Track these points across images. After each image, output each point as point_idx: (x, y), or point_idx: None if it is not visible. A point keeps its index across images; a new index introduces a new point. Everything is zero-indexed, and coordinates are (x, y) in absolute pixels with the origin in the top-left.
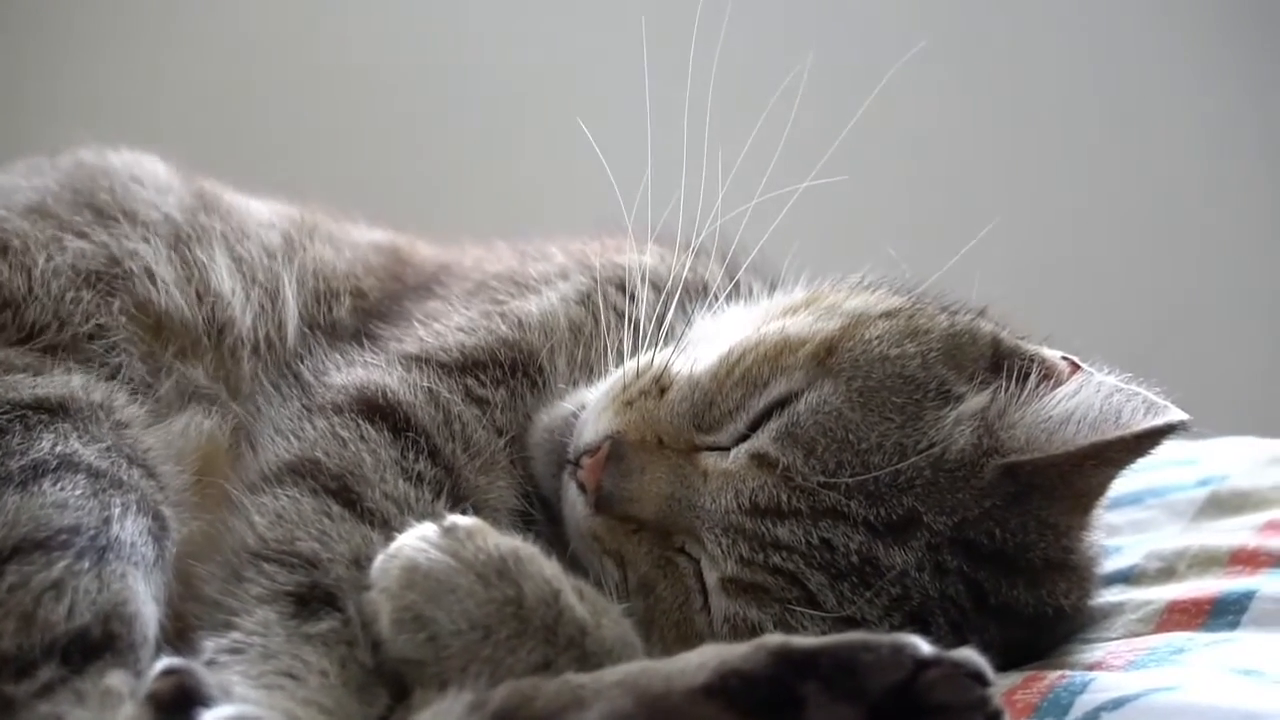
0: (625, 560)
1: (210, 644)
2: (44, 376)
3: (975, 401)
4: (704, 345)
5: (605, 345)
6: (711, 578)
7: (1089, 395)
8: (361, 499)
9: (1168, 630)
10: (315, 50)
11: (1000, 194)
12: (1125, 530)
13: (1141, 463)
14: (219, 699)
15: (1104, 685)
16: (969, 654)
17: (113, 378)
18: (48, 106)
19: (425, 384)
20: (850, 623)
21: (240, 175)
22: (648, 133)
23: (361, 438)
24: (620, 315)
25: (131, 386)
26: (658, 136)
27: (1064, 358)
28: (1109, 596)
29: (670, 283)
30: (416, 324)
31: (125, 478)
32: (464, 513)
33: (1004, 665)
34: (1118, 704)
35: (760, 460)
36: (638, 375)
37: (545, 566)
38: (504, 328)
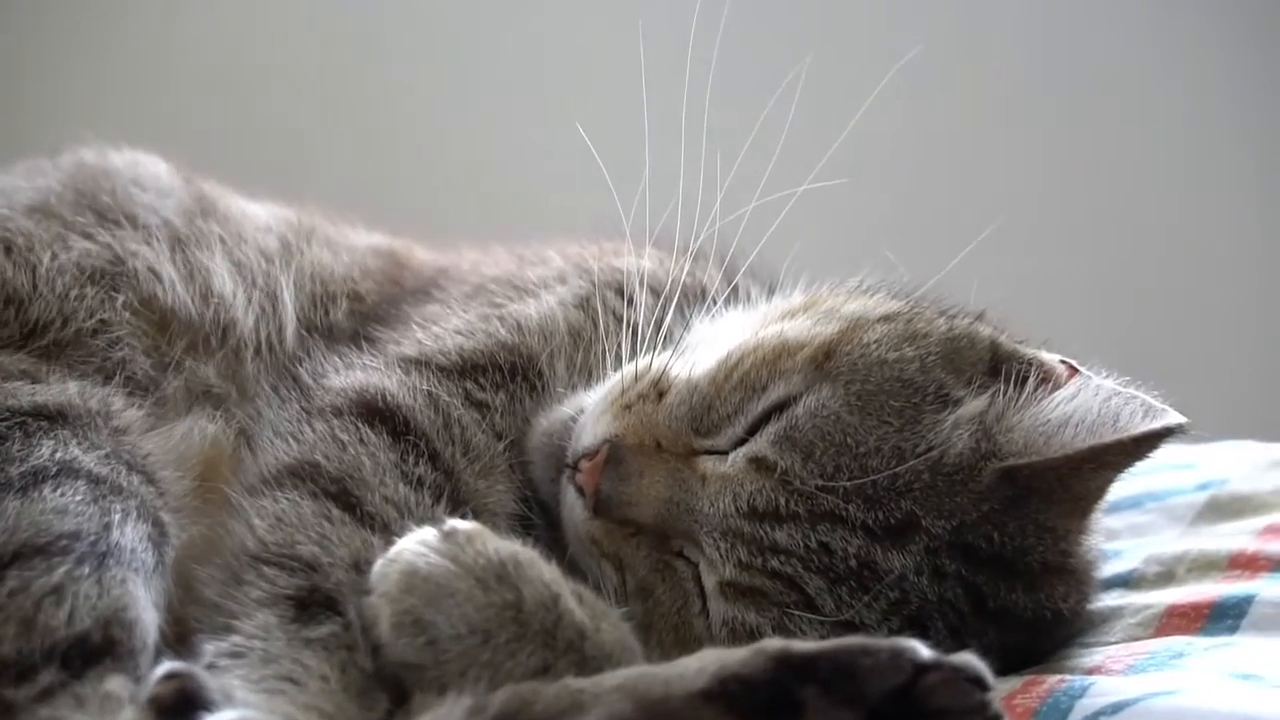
0: (624, 564)
1: (210, 647)
2: (42, 384)
3: (973, 405)
4: (702, 349)
5: (604, 349)
6: (710, 581)
7: (1087, 399)
8: (361, 503)
9: (1167, 634)
10: (314, 52)
11: (998, 197)
12: (1124, 534)
13: (1140, 466)
14: (220, 703)
15: (1103, 689)
16: (968, 658)
17: (111, 378)
18: (48, 106)
19: (425, 387)
20: (849, 627)
21: (239, 176)
22: (645, 136)
23: (361, 441)
24: (618, 319)
25: (131, 386)
26: (655, 140)
27: (1062, 361)
28: (1108, 600)
29: (668, 287)
30: (415, 327)
31: (125, 484)
32: (463, 517)
33: (1003, 670)
34: (1117, 708)
35: (758, 464)
36: (636, 379)
37: (544, 571)
38: (503, 331)
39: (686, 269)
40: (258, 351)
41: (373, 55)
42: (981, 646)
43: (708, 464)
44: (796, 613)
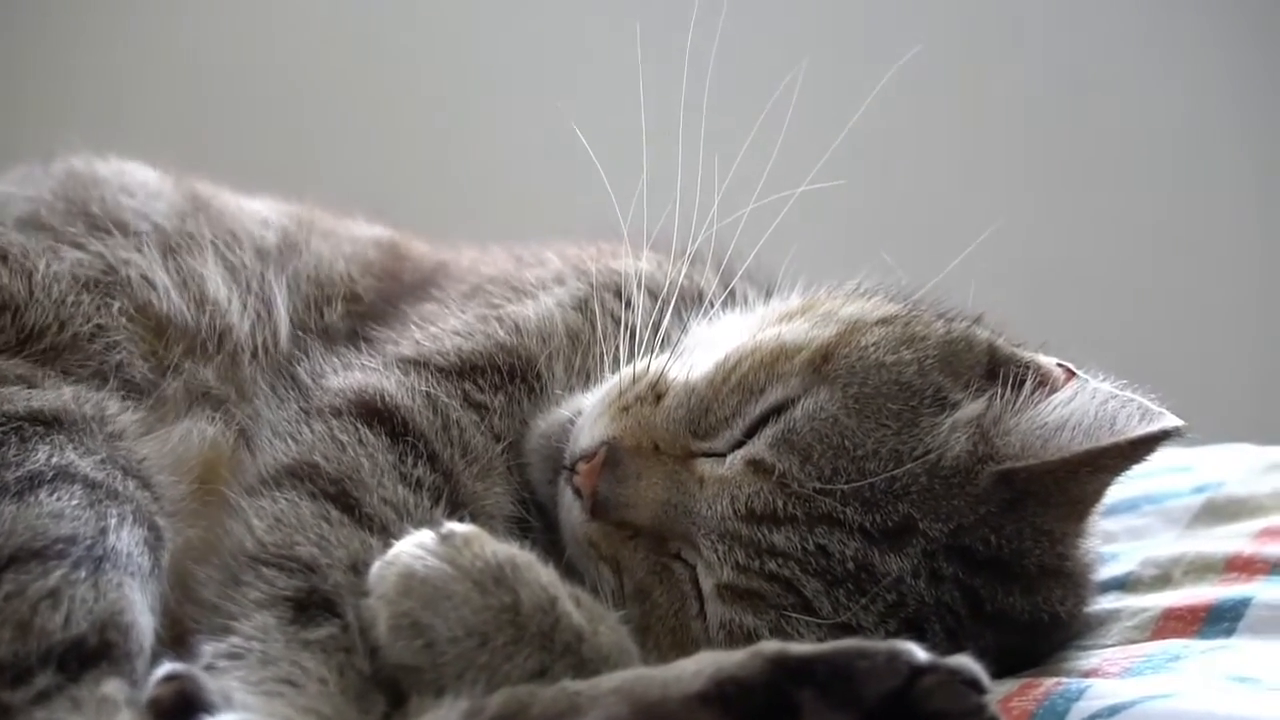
0: (621, 566)
1: (209, 648)
2: (38, 389)
3: (971, 408)
4: (700, 352)
5: (601, 352)
6: (707, 584)
7: (1084, 402)
8: (360, 504)
9: (1164, 637)
10: (313, 54)
11: (996, 200)
12: (1121, 537)
13: (1137, 469)
14: (219, 706)
15: (1100, 692)
16: (965, 661)
17: (108, 381)
18: (49, 107)
19: (423, 388)
20: (846, 629)
21: (239, 176)
22: (643, 137)
23: (360, 442)
24: (617, 322)
25: (129, 389)
26: (653, 141)
27: (1059, 364)
28: (1105, 603)
29: (666, 289)
30: (413, 327)
31: (121, 489)
32: (461, 519)
33: (1000, 672)
34: (1113, 711)
35: (756, 466)
36: (634, 381)
37: (542, 573)
38: (501, 333)
39: (684, 271)
40: (254, 355)
41: (370, 57)
42: (978, 649)
43: (705, 466)
44: (794, 615)
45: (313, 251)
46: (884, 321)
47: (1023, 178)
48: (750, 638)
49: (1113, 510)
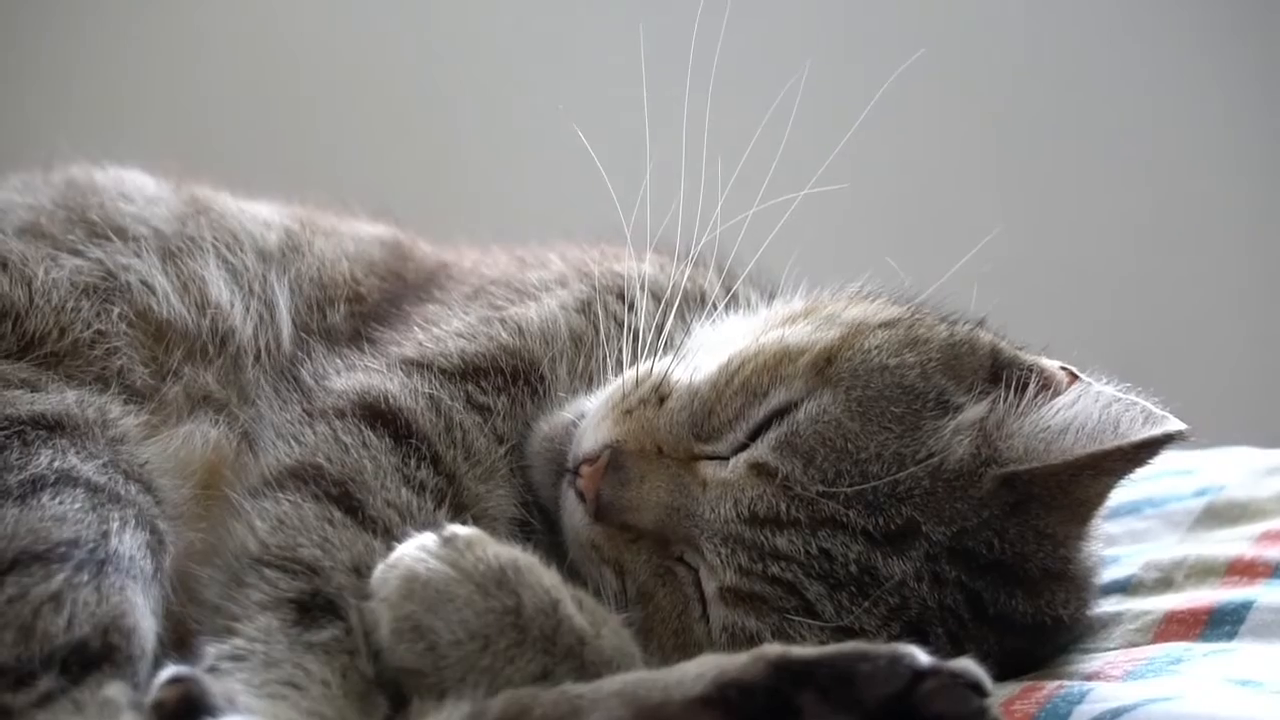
0: (624, 569)
1: (212, 650)
2: (40, 393)
3: (974, 411)
4: (703, 354)
5: (604, 354)
6: (710, 587)
7: (1087, 405)
8: (363, 506)
9: (1165, 640)
10: (315, 55)
11: (999, 203)
12: (1123, 540)
13: (1139, 473)
14: (224, 708)
15: (1102, 695)
16: (967, 664)
17: (109, 386)
18: (50, 108)
19: (426, 390)
20: (848, 632)
21: (240, 176)
22: (646, 141)
23: (363, 444)
24: (619, 324)
25: (129, 394)
26: (656, 144)
27: (1062, 367)
28: (1107, 606)
29: (669, 292)
30: (416, 328)
31: (123, 492)
32: (464, 522)
33: (1002, 675)
34: (1116, 714)
35: (759, 469)
36: (637, 384)
37: (544, 576)
38: (504, 334)
39: (687, 274)
40: (257, 358)
41: (373, 58)
42: (981, 652)
43: (708, 469)
44: (796, 618)
45: (315, 252)
46: (887, 325)
47: (1025, 181)
48: (752, 641)
49: (1115, 513)
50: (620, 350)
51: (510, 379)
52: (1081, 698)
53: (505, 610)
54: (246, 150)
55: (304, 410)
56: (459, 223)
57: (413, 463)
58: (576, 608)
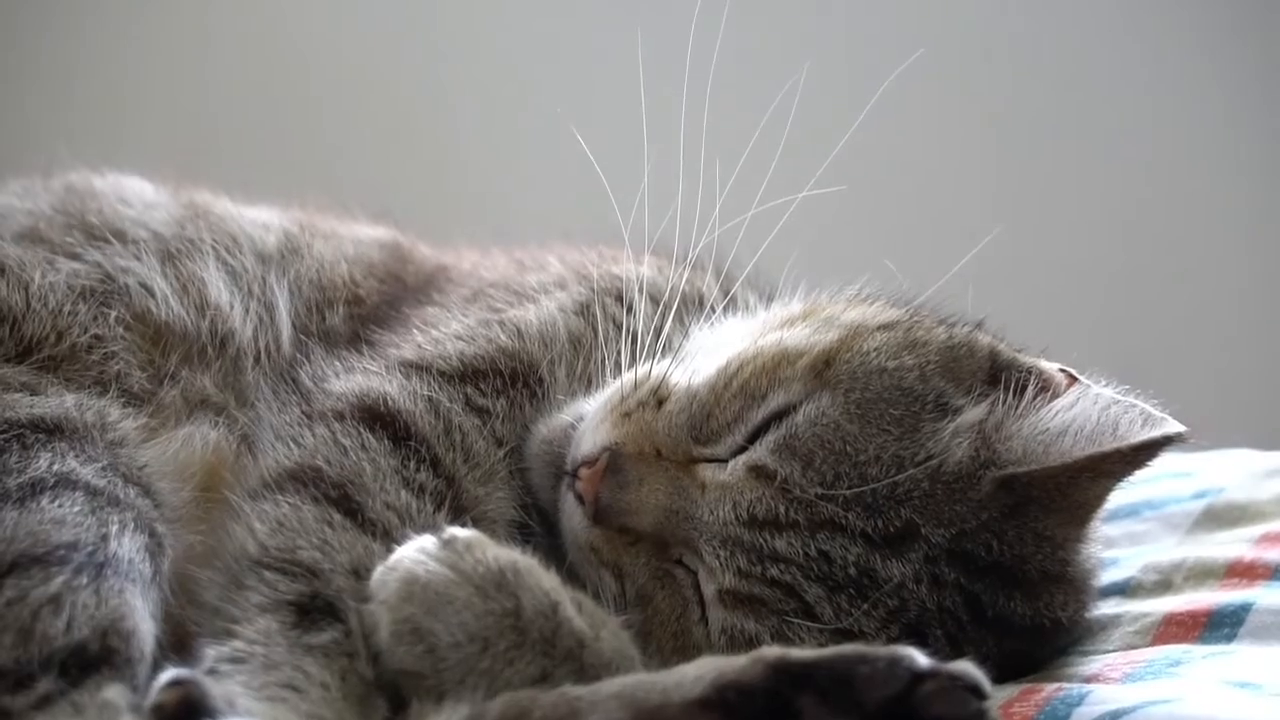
0: (623, 572)
1: (211, 652)
2: (40, 396)
3: (973, 414)
4: (702, 357)
5: (603, 356)
6: (709, 589)
7: (1086, 407)
8: (363, 508)
9: (1165, 643)
10: (315, 58)
11: (998, 205)
12: (1122, 543)
13: (1138, 475)
14: (223, 711)
15: (1101, 698)
16: (966, 667)
17: (108, 389)
18: (51, 110)
19: (426, 392)
20: (847, 635)
21: (234, 178)
22: (644, 143)
23: (362, 446)
24: (618, 327)
25: (127, 397)
26: (654, 146)
27: (1061, 370)
28: (1106, 609)
29: (668, 294)
30: (415, 330)
31: (122, 495)
32: (463, 524)
33: (1001, 678)
34: (1115, 716)
35: (758, 472)
36: (635, 387)
37: (544, 578)
38: (503, 337)
39: (685, 276)
40: (257, 360)
41: (373, 61)
42: (980, 655)
43: (707, 472)
44: (795, 620)
45: (314, 254)
46: (886, 327)
47: (1024, 183)
48: (752, 643)
49: (1114, 515)
50: (619, 353)
51: (509, 381)
52: (1080, 700)
53: (505, 613)
54: (247, 150)
55: (303, 412)
56: (458, 224)
57: (412, 465)
58: (576, 610)
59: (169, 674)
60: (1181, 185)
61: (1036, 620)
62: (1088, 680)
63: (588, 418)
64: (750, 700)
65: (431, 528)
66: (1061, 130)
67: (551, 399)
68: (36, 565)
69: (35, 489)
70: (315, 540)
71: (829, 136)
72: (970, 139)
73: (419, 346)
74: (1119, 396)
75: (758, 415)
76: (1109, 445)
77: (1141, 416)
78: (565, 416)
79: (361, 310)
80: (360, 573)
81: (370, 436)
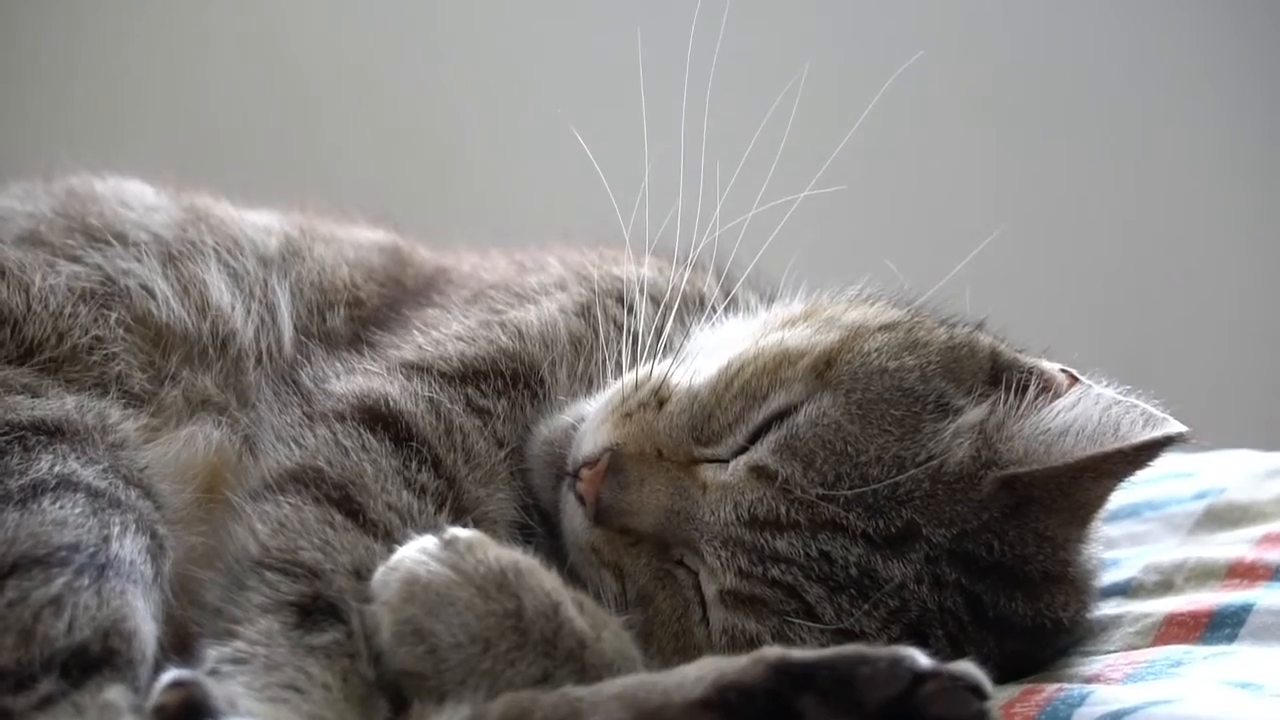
0: (624, 572)
1: (213, 652)
2: (41, 398)
3: (974, 414)
4: (703, 358)
5: (604, 357)
6: (710, 590)
7: (1087, 407)
8: (364, 509)
9: (1166, 643)
10: (316, 60)
11: (999, 206)
12: (1123, 543)
13: (1139, 476)
14: (225, 712)
15: (1102, 698)
16: (967, 667)
17: (108, 392)
18: (48, 110)
19: (427, 393)
20: (848, 635)
21: (234, 181)
22: (645, 143)
23: (363, 447)
24: (619, 327)
25: (128, 399)
26: (655, 147)
27: (1062, 370)
28: (1107, 609)
29: (669, 295)
30: (415, 331)
31: (123, 497)
32: (465, 525)
33: (1002, 678)
34: (1116, 717)
35: (759, 472)
36: (636, 387)
37: (545, 579)
38: (504, 338)
39: (686, 277)
40: (259, 361)
41: (373, 62)
42: (981, 655)
43: (708, 472)
44: (796, 621)
45: (315, 257)
46: (886, 327)
47: (1025, 183)
48: (752, 643)
49: (1115, 516)
50: (620, 353)
51: (510, 382)
52: (1082, 700)
53: (506, 613)
54: (247, 151)
55: (304, 414)
56: (458, 225)
57: (413, 466)
58: (578, 610)
59: (170, 675)
60: (1181, 185)
61: (1037, 620)
62: (1089, 681)
63: (589, 418)
64: (751, 701)
65: (433, 528)
66: (1062, 130)
67: (552, 400)
68: (38, 566)
69: (37, 491)
70: (317, 541)
71: (829, 137)
72: (970, 139)
73: (420, 348)
74: (1120, 397)
75: (759, 416)
76: (1110, 445)
77: (1143, 417)
78: (566, 417)
79: (362, 312)
80: (362, 573)
81: (371, 437)
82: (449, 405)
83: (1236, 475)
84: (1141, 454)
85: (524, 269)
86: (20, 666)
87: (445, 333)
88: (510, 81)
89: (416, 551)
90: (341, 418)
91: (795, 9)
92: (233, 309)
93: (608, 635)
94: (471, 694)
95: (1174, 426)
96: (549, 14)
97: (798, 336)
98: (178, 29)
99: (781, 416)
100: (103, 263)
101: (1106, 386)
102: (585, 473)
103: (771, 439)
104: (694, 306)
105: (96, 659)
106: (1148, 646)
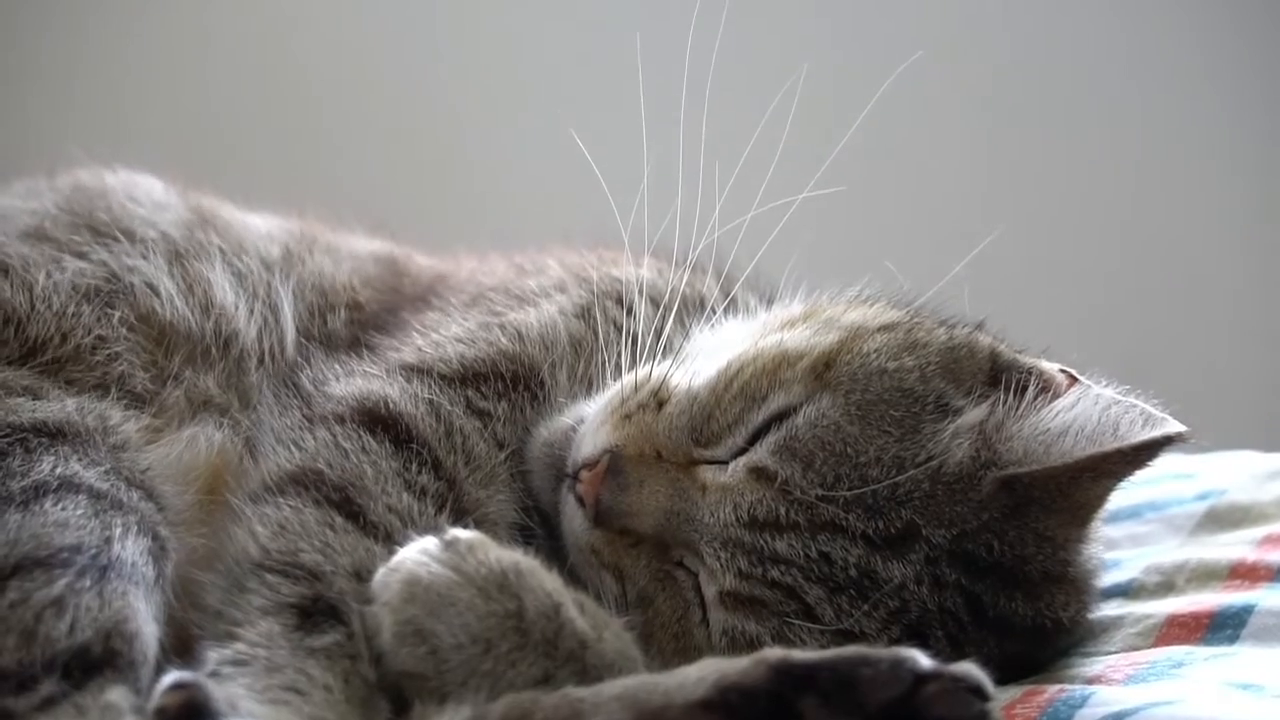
0: (624, 574)
1: (214, 655)
2: (42, 401)
3: (973, 414)
4: (702, 359)
5: (604, 359)
6: (710, 591)
7: (1087, 407)
8: (364, 511)
9: (1167, 644)
10: (315, 62)
11: (999, 206)
12: (1124, 544)
13: (1140, 476)
14: (226, 714)
15: (1103, 699)
16: (969, 668)
17: (109, 392)
18: (50, 112)
19: (426, 395)
20: (848, 636)
21: (233, 182)
22: (643, 145)
23: (363, 449)
24: (618, 329)
25: (130, 398)
26: (653, 148)
27: (1062, 370)
28: (1108, 610)
29: (668, 296)
30: (415, 334)
31: (125, 499)
32: (465, 527)
33: (1003, 679)
34: (1117, 718)
35: (759, 474)
36: (636, 389)
37: (546, 580)
38: (504, 340)
39: (686, 278)
40: (261, 361)
41: (372, 63)
42: (981, 656)
43: (708, 474)
44: (796, 622)
45: (316, 260)
46: (886, 328)
47: (1024, 184)
48: (753, 645)
49: (1116, 517)
50: (619, 355)
51: (510, 384)
52: (1083, 701)
53: (507, 614)
54: (247, 153)
55: (303, 416)
56: (457, 226)
57: (413, 468)
58: (578, 611)
59: (171, 677)
60: (1181, 185)
61: (1038, 621)
62: (1090, 682)
63: (588, 420)
64: (753, 702)
65: (433, 530)
66: (1061, 130)
67: (552, 402)
68: (40, 568)
69: (39, 492)
70: (317, 543)
71: (828, 138)
72: (970, 139)
73: (419, 350)
74: (1119, 397)
75: (758, 417)
76: (1110, 445)
77: (1142, 416)
78: (566, 419)
79: (361, 316)
80: (362, 575)
81: (371, 439)
82: (449, 407)
83: (1238, 476)
84: (1141, 454)
85: (523, 271)
86: (22, 667)
87: (445, 335)
88: (509, 83)
89: (417, 553)
90: (341, 420)
91: (794, 10)
92: (236, 309)
93: (609, 636)
94: (473, 695)
95: (1173, 426)
96: (548, 15)
97: (797, 338)
98: (178, 29)
99: (781, 418)
100: (109, 259)
101: (1106, 386)
102: (585, 474)
103: (771, 440)
104: (693, 308)
105: (98, 660)
106: (1149, 647)
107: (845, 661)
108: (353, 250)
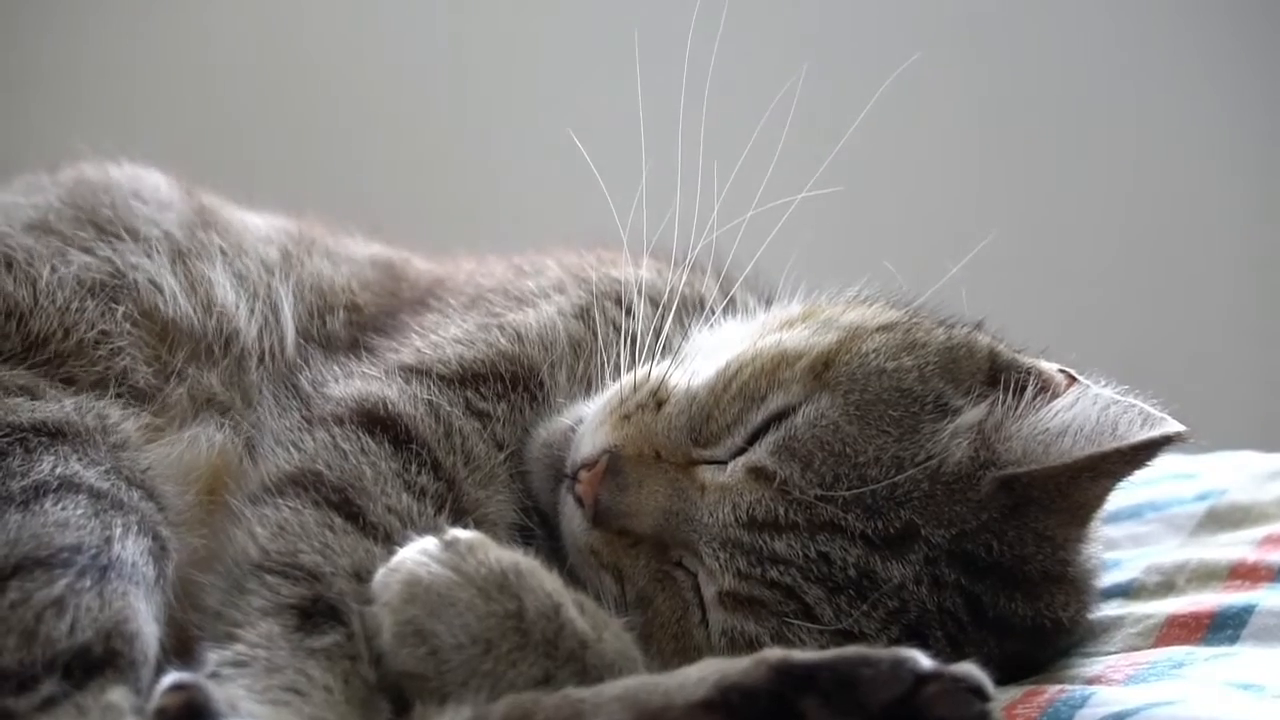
0: (623, 574)
1: (214, 656)
2: (41, 400)
3: (972, 414)
4: (701, 359)
5: (603, 359)
6: (709, 591)
7: (1086, 407)
8: (364, 512)
9: (1167, 644)
10: (310, 60)
11: (997, 206)
12: (1124, 544)
13: (1140, 477)
14: (226, 714)
15: (1103, 700)
16: (969, 668)
17: (109, 389)
18: (49, 112)
19: (426, 396)
20: (848, 636)
21: (234, 182)
22: (642, 145)
23: (362, 450)
24: (618, 330)
25: (131, 395)
26: (652, 149)
27: (1061, 370)
28: (1108, 610)
29: (667, 296)
30: (414, 335)
31: (125, 499)
32: (464, 527)
33: (1003, 679)
34: (1118, 718)
35: (758, 474)
36: (635, 389)
37: (546, 580)
38: (503, 341)
39: (684, 279)
40: (261, 361)
41: (367, 61)
42: (981, 656)
43: (707, 474)
44: (795, 622)
45: (315, 261)
46: (885, 328)
47: (1023, 184)
48: (752, 645)
49: (1116, 517)
50: (618, 355)
51: (509, 385)
52: (1083, 702)
53: (507, 614)
54: (247, 154)
55: (303, 417)
56: (455, 227)
57: (413, 468)
58: (579, 611)
59: (172, 677)
60: (1181, 185)
61: (1037, 621)
62: (1090, 682)
63: (587, 420)
64: (753, 702)
65: (433, 530)
66: (1060, 130)
67: (551, 402)
68: (40, 568)
69: (39, 492)
70: (317, 544)
71: (828, 137)
72: (969, 140)
73: (418, 351)
74: (1118, 396)
75: (757, 417)
76: (1109, 445)
77: (1141, 416)
78: (565, 419)
79: (360, 318)
80: (362, 576)
81: (370, 440)
82: (448, 408)
83: (1238, 477)
84: (1140, 453)
85: (522, 272)
86: (22, 667)
87: (444, 336)
88: (509, 82)
89: (417, 553)
90: (340, 421)
91: (793, 10)
92: (237, 308)
93: (609, 636)
94: (473, 695)
95: (1172, 426)
96: (546, 15)
97: (796, 338)
98: (178, 29)
99: (780, 418)
100: (113, 256)
101: (1105, 386)
102: (584, 474)
103: (770, 440)
104: (692, 308)
105: (99, 660)
106: (1149, 648)
107: (846, 662)
108: (351, 254)
